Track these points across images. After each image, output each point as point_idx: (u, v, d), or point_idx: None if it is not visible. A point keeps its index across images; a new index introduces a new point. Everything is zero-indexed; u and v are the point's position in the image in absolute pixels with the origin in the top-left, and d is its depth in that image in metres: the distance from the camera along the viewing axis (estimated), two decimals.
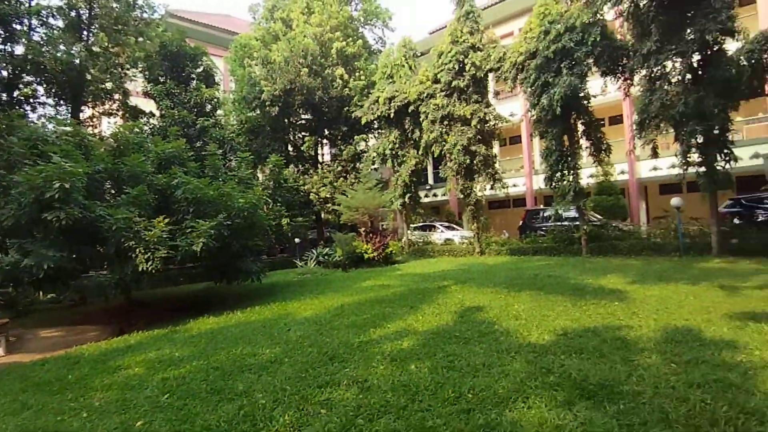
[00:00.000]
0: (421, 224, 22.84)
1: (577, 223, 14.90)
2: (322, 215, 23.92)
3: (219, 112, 19.76)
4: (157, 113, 17.72)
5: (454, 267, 13.13)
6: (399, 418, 3.22)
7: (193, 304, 11.11)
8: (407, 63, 19.97)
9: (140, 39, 16.45)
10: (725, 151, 11.70)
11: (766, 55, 11.25)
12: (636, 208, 21.22)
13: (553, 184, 14.75)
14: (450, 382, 3.75)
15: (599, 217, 17.41)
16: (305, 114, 24.52)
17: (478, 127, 16.87)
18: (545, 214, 18.66)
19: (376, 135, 23.50)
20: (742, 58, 11.38)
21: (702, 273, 8.84)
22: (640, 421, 2.85)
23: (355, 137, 24.02)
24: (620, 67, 13.67)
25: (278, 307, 8.60)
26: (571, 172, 14.36)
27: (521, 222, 19.88)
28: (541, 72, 13.88)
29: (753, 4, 18.44)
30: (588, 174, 16.43)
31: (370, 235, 16.54)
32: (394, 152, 19.82)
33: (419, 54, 21.38)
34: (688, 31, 11.52)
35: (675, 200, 12.97)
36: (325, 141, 26.40)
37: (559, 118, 13.75)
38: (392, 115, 19.14)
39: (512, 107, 23.98)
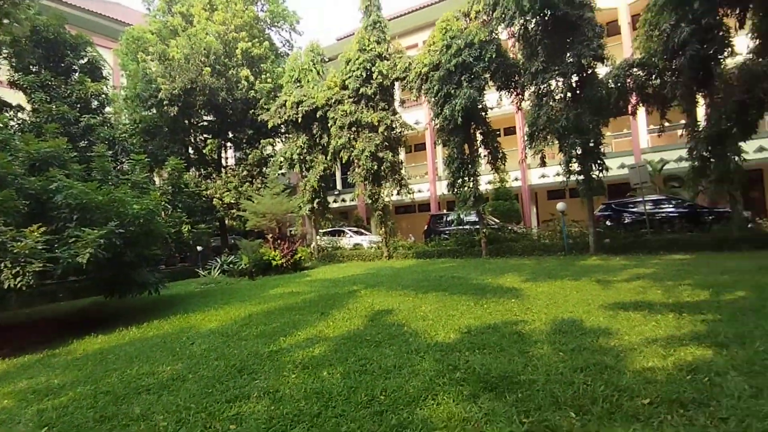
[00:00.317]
0: (330, 229, 22.80)
1: (478, 226, 15.91)
2: (227, 222, 22.83)
3: (108, 109, 17.92)
4: (28, 107, 15.58)
5: (364, 271, 13.29)
6: (313, 426, 3.20)
7: (78, 322, 9.94)
8: (315, 68, 19.89)
9: (5, 21, 14.35)
10: (599, 161, 13.29)
11: (629, 80, 13.02)
12: (528, 212, 23.22)
13: (455, 189, 15.61)
14: (363, 386, 3.80)
15: (497, 220, 18.77)
16: (208, 115, 23.26)
17: (385, 134, 17.32)
18: (448, 219, 19.65)
19: (284, 139, 23.01)
20: (610, 81, 13.06)
21: (582, 269, 9.92)
22: (535, 407, 3.13)
23: (262, 141, 23.30)
24: (513, 83, 14.91)
25: (179, 320, 8.03)
26: (472, 178, 15.32)
27: (426, 226, 20.74)
28: (444, 83, 14.66)
29: (619, 35, 21.22)
30: (486, 180, 17.66)
31: (278, 241, 16.14)
32: (302, 157, 19.58)
33: (327, 59, 21.40)
34: (568, 54, 12.93)
35: (560, 205, 14.45)
36: (229, 144, 25.25)
37: (460, 127, 14.63)
38: (300, 120, 18.91)
39: (417, 116, 24.98)
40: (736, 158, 11.22)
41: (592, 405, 3.09)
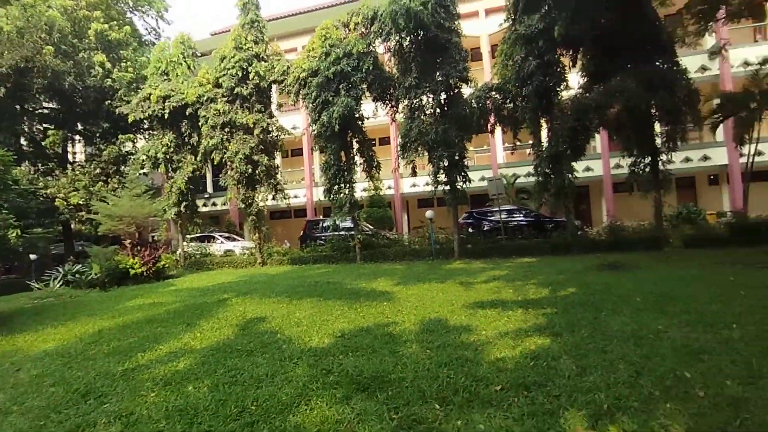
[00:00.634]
0: (198, 235, 21.25)
1: (353, 232, 16.24)
2: (73, 225, 19.91)
3: None
4: None
5: (236, 279, 12.67)
6: None
7: None
8: (186, 61, 18.49)
9: None
10: (463, 173, 14.55)
11: (488, 101, 14.52)
12: (400, 219, 24.40)
13: (332, 196, 15.76)
14: (232, 398, 3.63)
15: (371, 227, 19.35)
16: (49, 102, 20.07)
17: (261, 136, 16.80)
18: (324, 225, 19.71)
19: (147, 136, 20.89)
20: (473, 101, 14.41)
21: (448, 273, 10.74)
22: (404, 402, 3.31)
23: (120, 136, 20.83)
24: (388, 96, 15.59)
25: (1, 343, 6.76)
26: (347, 185, 15.61)
27: (302, 232, 20.53)
28: (322, 90, 14.75)
29: (481, 61, 23.57)
30: (361, 188, 18.12)
31: (138, 247, 14.54)
32: (168, 156, 17.98)
33: (200, 54, 20.06)
34: (438, 73, 13.99)
35: (429, 213, 15.50)
36: (78, 138, 22.08)
37: (337, 135, 14.84)
38: (167, 116, 17.38)
39: (295, 120, 24.68)
40: (570, 175, 13.21)
41: (454, 396, 3.37)
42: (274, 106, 18.60)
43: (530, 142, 15.11)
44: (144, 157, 18.38)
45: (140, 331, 6.44)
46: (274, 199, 17.84)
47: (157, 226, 19.45)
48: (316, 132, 15.58)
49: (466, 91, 14.91)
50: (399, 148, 14.96)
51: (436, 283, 9.09)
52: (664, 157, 13.51)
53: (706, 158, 20.37)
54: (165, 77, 18.10)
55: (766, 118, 15.19)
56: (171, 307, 8.42)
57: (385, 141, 25.67)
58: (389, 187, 23.52)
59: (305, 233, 20.18)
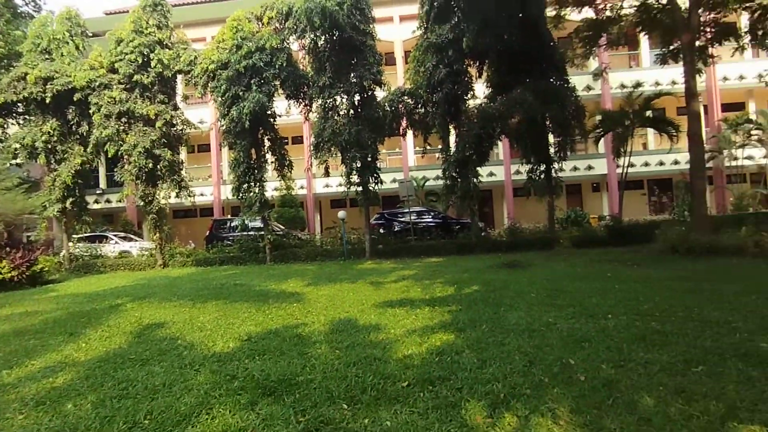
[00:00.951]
0: (88, 235, 19.15)
1: (263, 232, 15.74)
2: None
3: None
4: None
5: (132, 282, 11.64)
6: None
7: None
8: (74, 40, 16.62)
9: None
10: (375, 175, 14.78)
11: (400, 105, 14.91)
12: (312, 220, 24.12)
13: (241, 194, 15.15)
14: (122, 413, 3.32)
15: (282, 227, 18.90)
16: None
17: (164, 129, 15.65)
18: (233, 224, 18.87)
19: (21, 121, 18.38)
20: (386, 104, 14.71)
21: (359, 273, 10.83)
22: (311, 405, 3.27)
23: None
24: (302, 94, 15.37)
25: None
26: (258, 184, 15.11)
27: (208, 232, 19.45)
28: (233, 84, 14.11)
29: (395, 65, 24.11)
30: (273, 187, 17.64)
31: (8, 249, 12.74)
32: (50, 146, 16.01)
33: (90, 34, 18.14)
34: (352, 75, 14.07)
35: (341, 213, 15.54)
36: None
37: (248, 131, 14.29)
38: (49, 101, 15.47)
39: (202, 114, 23.33)
40: (475, 180, 14.02)
41: (362, 394, 3.39)
42: (179, 98, 17.44)
43: (439, 146, 15.79)
44: (17, 146, 16.15)
45: (6, 346, 5.64)
46: (177, 196, 16.71)
47: (34, 225, 17.23)
48: (225, 127, 14.85)
49: (380, 94, 15.17)
50: (312, 148, 14.80)
51: (347, 283, 9.12)
52: (556, 165, 14.89)
53: (590, 168, 22.78)
54: (47, 56, 16.11)
55: (638, 135, 17.42)
56: (49, 316, 7.50)
57: (298, 140, 25.22)
58: (302, 187, 23.17)
59: (212, 233, 19.15)
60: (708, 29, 13.81)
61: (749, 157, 20.78)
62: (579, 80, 18.48)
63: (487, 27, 12.77)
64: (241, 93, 14.01)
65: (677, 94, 14.67)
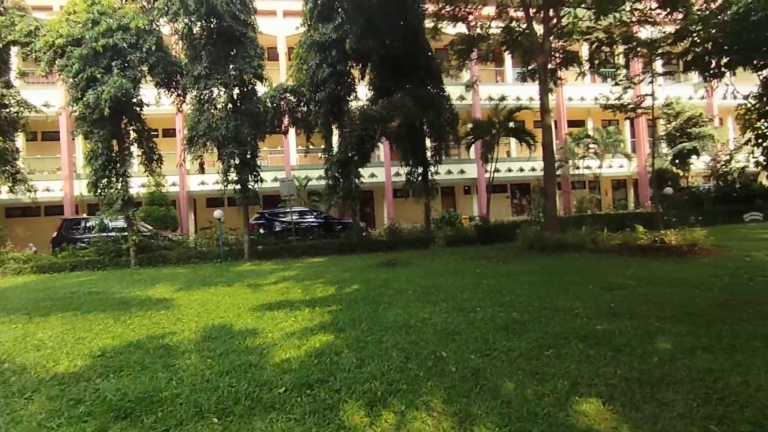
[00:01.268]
0: None
1: (126, 233, 14.10)
2: None
3: None
4: None
5: None
6: None
7: None
8: None
9: None
10: (255, 173, 14.19)
11: (282, 102, 14.53)
12: (186, 219, 22.34)
13: (99, 191, 13.40)
14: None
15: (150, 227, 17.15)
16: None
17: None
18: (88, 224, 16.56)
19: None
20: (267, 100, 14.22)
21: (236, 275, 10.29)
22: (176, 422, 2.96)
23: None
24: (174, 83, 14.13)
25: None
26: (120, 179, 13.50)
27: (56, 233, 16.82)
28: (88, 64, 12.39)
29: (277, 61, 23.43)
30: (139, 183, 15.94)
31: None
32: None
33: None
34: (231, 66, 13.33)
35: (217, 212, 14.58)
36: None
37: (108, 119, 12.64)
38: None
39: (47, 96, 20.12)
40: (357, 180, 14.23)
41: (235, 405, 3.18)
42: (13, 74, 14.78)
43: (322, 146, 15.72)
44: None
45: None
46: (11, 191, 14.16)
47: None
48: (78, 113, 12.90)
49: (262, 89, 14.60)
50: (185, 142, 13.67)
51: (222, 286, 8.60)
52: (432, 168, 15.80)
53: (462, 172, 24.66)
54: None
55: (503, 143, 19.31)
56: None
57: (169, 133, 23.16)
58: (174, 184, 21.34)
59: (60, 234, 16.58)
60: (558, 54, 15.86)
61: (588, 167, 24.38)
62: (453, 90, 19.82)
63: (369, 30, 13.05)
64: (99, 75, 12.34)
65: (534, 109, 16.55)
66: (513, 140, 23.28)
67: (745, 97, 16.99)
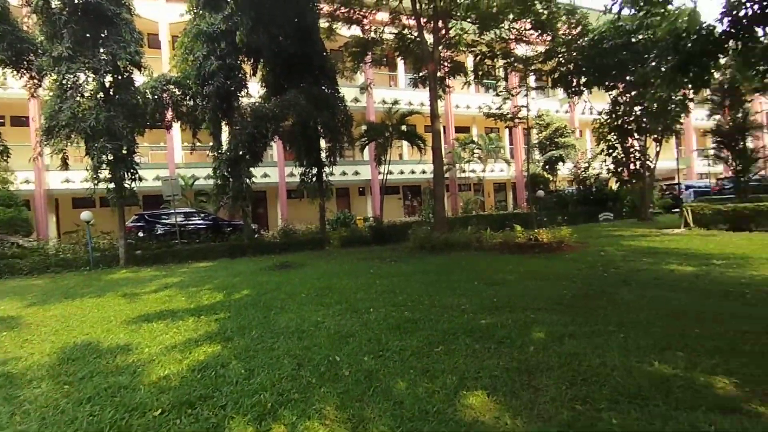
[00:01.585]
0: None
1: None
2: None
3: None
4: None
5: None
6: None
7: None
8: None
9: None
10: (132, 170, 12.81)
11: (165, 94, 13.33)
12: (44, 222, 19.39)
13: None
14: None
15: None
16: None
17: None
18: None
19: None
20: (147, 91, 12.92)
21: (109, 284, 9.18)
22: None
23: None
24: (27, 63, 12.19)
25: None
26: None
27: None
28: None
29: (160, 49, 21.45)
30: None
31: None
32: None
33: None
34: (102, 50, 11.87)
35: (85, 214, 12.86)
36: None
37: None
38: None
39: None
40: (248, 180, 13.55)
41: None
42: None
43: (210, 143, 14.72)
44: None
45: None
46: None
47: None
48: None
49: (141, 79, 13.23)
50: (42, 133, 11.85)
51: (90, 297, 7.61)
52: (327, 169, 15.66)
53: (357, 173, 24.86)
54: None
55: (396, 146, 19.85)
56: None
57: (21, 121, 19.96)
58: (27, 181, 18.44)
59: None
60: (446, 64, 16.75)
61: (473, 171, 26.16)
62: (348, 92, 19.89)
63: (261, 24, 12.49)
64: None
65: (425, 114, 17.26)
66: (405, 143, 24.04)
67: (599, 113, 19.74)
